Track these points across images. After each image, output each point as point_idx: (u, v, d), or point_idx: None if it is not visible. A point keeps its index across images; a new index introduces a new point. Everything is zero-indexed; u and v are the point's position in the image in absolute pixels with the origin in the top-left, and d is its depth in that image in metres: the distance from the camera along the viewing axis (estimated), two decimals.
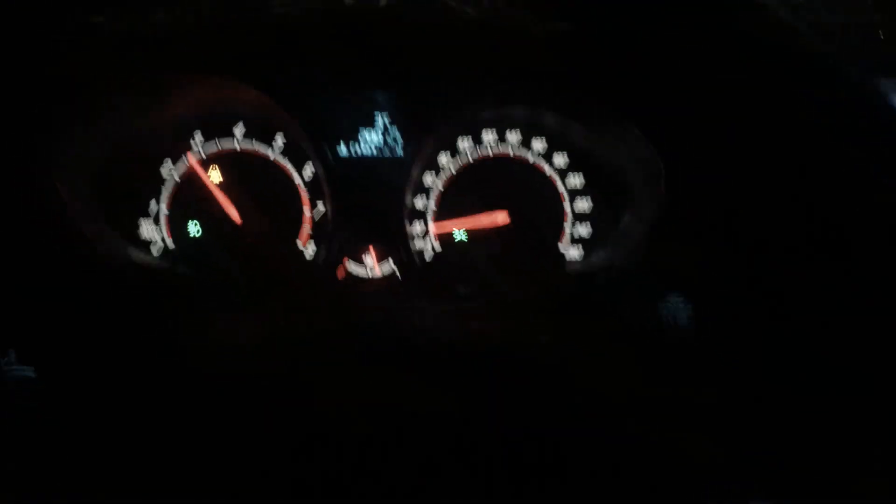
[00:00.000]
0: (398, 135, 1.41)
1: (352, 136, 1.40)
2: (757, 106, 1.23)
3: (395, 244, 1.40)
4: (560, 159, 1.46)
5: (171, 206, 1.42)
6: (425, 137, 1.38)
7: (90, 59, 1.23)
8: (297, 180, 1.44)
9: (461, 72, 1.36)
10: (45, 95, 1.21)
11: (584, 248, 1.46)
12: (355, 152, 1.40)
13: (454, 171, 1.46)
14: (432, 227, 1.46)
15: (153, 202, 1.42)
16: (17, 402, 1.18)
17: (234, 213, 1.42)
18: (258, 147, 1.43)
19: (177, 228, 1.43)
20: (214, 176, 1.43)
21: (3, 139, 1.20)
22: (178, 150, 1.42)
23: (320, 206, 1.44)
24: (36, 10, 1.19)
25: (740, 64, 1.24)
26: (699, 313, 1.28)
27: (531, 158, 1.46)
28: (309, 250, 1.45)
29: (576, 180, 1.45)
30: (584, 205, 1.46)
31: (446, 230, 1.47)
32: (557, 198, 1.46)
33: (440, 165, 1.46)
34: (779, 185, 1.25)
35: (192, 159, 1.42)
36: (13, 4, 1.14)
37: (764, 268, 1.26)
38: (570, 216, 1.46)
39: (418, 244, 1.46)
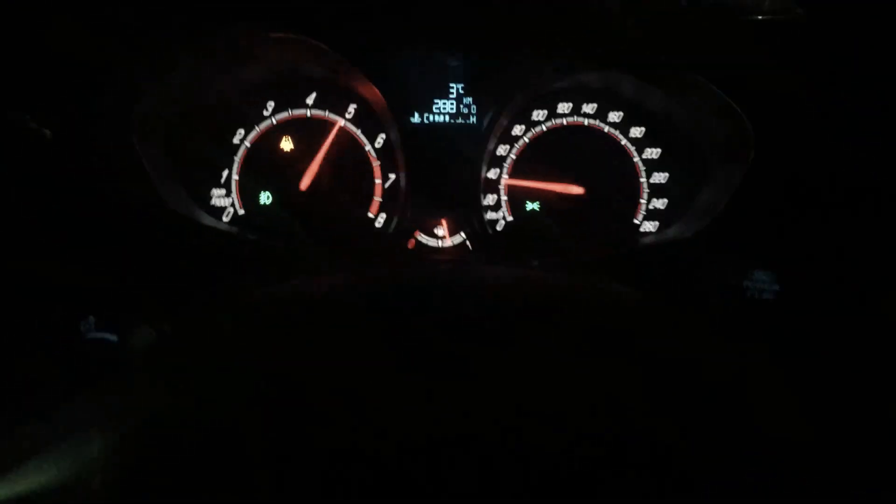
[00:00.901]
0: (473, 105, 1.39)
1: (426, 105, 1.39)
2: (851, 71, 1.19)
3: (468, 215, 1.39)
4: (636, 131, 1.42)
5: (242, 173, 1.41)
6: (500, 109, 1.35)
7: (168, 19, 1.22)
8: (369, 149, 1.42)
9: (537, 38, 1.33)
10: (124, 53, 1.21)
11: (659, 221, 1.43)
12: (429, 120, 1.38)
13: (528, 141, 1.43)
14: (505, 197, 1.44)
15: (225, 170, 1.40)
16: (97, 366, 1.18)
17: (304, 182, 1.41)
18: (330, 115, 1.42)
19: (247, 195, 1.42)
20: (286, 144, 1.41)
21: (83, 96, 1.20)
22: (250, 117, 1.41)
23: (392, 176, 1.42)
24: None
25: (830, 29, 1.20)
26: (785, 290, 1.25)
27: (606, 128, 1.43)
28: (379, 220, 1.43)
29: (653, 152, 1.42)
30: (661, 178, 1.42)
31: (519, 200, 1.44)
32: (633, 171, 1.43)
33: (514, 136, 1.43)
34: (870, 156, 1.22)
35: (263, 126, 1.41)
36: None
37: (852, 242, 1.23)
38: (646, 189, 1.43)
39: (490, 214, 1.44)
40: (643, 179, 1.43)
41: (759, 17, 1.22)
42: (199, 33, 1.25)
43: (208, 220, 1.36)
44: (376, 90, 1.32)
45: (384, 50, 1.32)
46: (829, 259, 1.23)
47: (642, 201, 1.43)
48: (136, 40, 1.22)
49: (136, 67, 1.22)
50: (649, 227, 1.43)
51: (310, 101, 1.42)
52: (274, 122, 1.41)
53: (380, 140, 1.42)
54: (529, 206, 1.44)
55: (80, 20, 1.21)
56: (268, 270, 1.31)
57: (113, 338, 1.21)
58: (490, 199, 1.44)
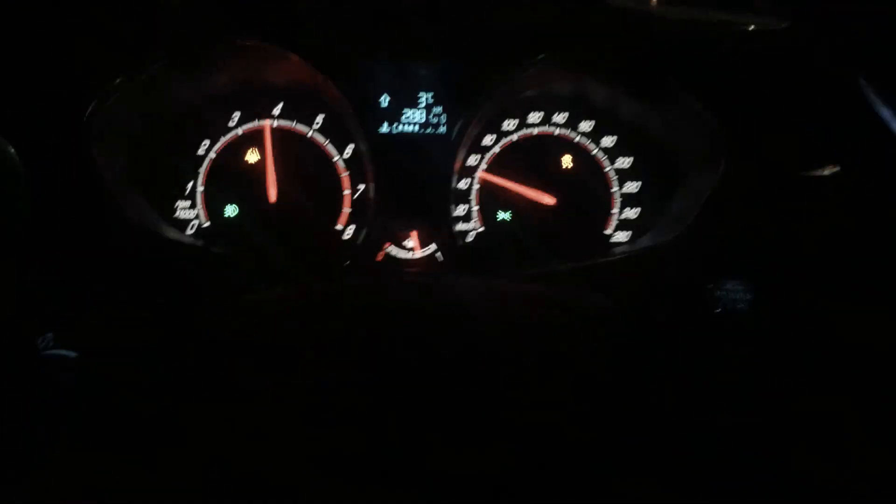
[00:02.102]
0: (443, 115, 1.37)
1: (395, 115, 1.37)
2: (824, 80, 1.19)
3: (438, 226, 1.36)
4: (608, 140, 1.41)
5: (208, 185, 1.38)
6: (470, 118, 1.34)
7: (131, 27, 1.20)
8: (337, 159, 1.40)
9: (506, 49, 1.32)
10: (86, 65, 1.18)
11: (631, 230, 1.42)
12: (398, 130, 1.36)
13: (498, 151, 1.42)
14: (476, 207, 1.42)
15: (190, 182, 1.38)
16: (55, 383, 1.15)
17: (271, 193, 1.38)
18: (298, 126, 1.39)
19: (213, 207, 1.39)
20: (252, 155, 1.39)
21: (43, 106, 1.17)
22: (216, 128, 1.38)
23: (360, 187, 1.40)
24: None
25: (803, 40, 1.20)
26: (758, 299, 1.24)
27: (578, 138, 1.42)
28: (348, 231, 1.41)
29: (624, 161, 1.41)
30: (632, 187, 1.41)
31: (491, 210, 1.42)
32: (605, 180, 1.42)
33: (484, 146, 1.42)
34: (844, 164, 1.22)
35: (229, 137, 1.38)
36: None
37: (825, 253, 1.22)
38: (617, 199, 1.42)
39: (461, 225, 1.42)
40: (615, 189, 1.42)
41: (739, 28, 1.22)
42: (164, 41, 1.23)
43: (172, 233, 1.33)
44: (345, 100, 1.30)
45: (352, 59, 1.30)
46: (802, 269, 1.22)
47: (614, 211, 1.42)
48: (97, 48, 1.20)
49: (97, 77, 1.19)
50: (621, 236, 1.42)
51: (276, 111, 1.39)
52: (240, 132, 1.39)
53: (348, 150, 1.40)
54: (501, 216, 1.42)
55: (40, 27, 1.19)
56: (233, 285, 1.28)
57: (72, 353, 1.17)
58: (461, 210, 1.42)
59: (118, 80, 1.20)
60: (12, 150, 1.15)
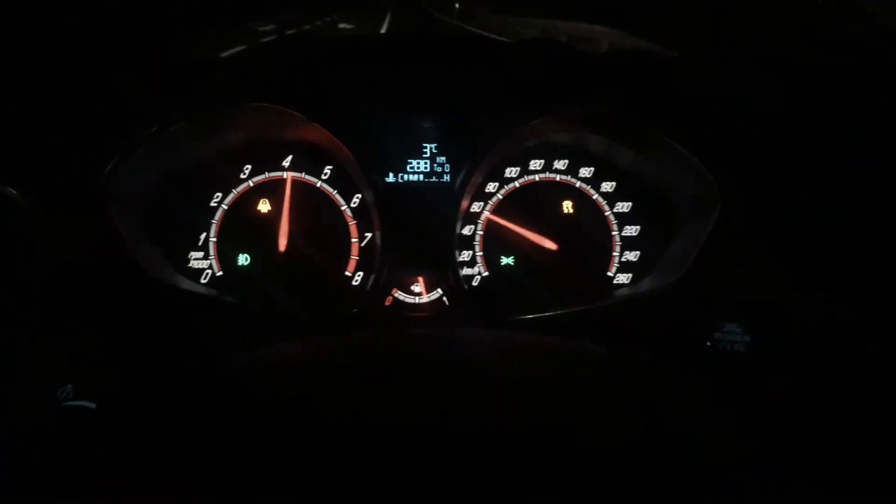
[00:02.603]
0: (446, 164, 1.42)
1: (400, 165, 1.42)
2: (814, 127, 1.23)
3: (444, 272, 1.40)
4: (607, 185, 1.45)
5: (220, 235, 1.43)
6: (473, 167, 1.38)
7: (151, 89, 1.26)
8: (345, 208, 1.45)
9: (507, 100, 1.37)
10: (106, 124, 1.24)
11: (632, 273, 1.45)
12: (404, 180, 1.41)
13: (501, 198, 1.46)
14: (480, 253, 1.46)
15: (203, 232, 1.42)
16: (75, 434, 1.18)
17: (281, 242, 1.43)
18: (307, 177, 1.44)
19: (225, 257, 1.43)
20: (263, 206, 1.44)
21: (59, 165, 1.22)
22: (227, 180, 1.43)
23: (367, 235, 1.45)
24: (95, 39, 1.22)
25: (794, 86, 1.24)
26: (757, 342, 1.27)
27: (578, 184, 1.46)
28: (357, 278, 1.45)
29: (624, 206, 1.45)
30: (632, 231, 1.45)
31: (494, 255, 1.46)
32: (605, 224, 1.46)
33: (488, 192, 1.46)
34: (838, 208, 1.25)
35: (241, 189, 1.43)
36: (72, 33, 1.17)
37: (822, 295, 1.25)
38: (618, 242, 1.46)
39: (466, 270, 1.46)
40: (615, 232, 1.46)
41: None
42: (183, 103, 1.28)
43: (186, 284, 1.38)
44: (350, 153, 1.35)
45: (357, 114, 1.36)
46: (800, 310, 1.25)
47: (615, 254, 1.46)
48: (118, 108, 1.26)
49: (116, 136, 1.24)
50: (622, 279, 1.46)
51: (286, 163, 1.45)
52: (251, 184, 1.44)
53: (355, 200, 1.45)
54: (504, 260, 1.46)
55: (64, 85, 1.25)
56: (246, 334, 1.32)
57: (91, 405, 1.21)
58: (465, 255, 1.46)
59: (137, 140, 1.25)
60: (29, 205, 1.20)
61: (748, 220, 1.26)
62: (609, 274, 1.46)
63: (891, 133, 1.13)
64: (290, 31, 1.23)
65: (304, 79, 1.31)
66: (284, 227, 1.43)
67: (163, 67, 1.27)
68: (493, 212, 1.47)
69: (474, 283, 1.46)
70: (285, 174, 1.44)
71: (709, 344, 1.29)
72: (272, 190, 1.44)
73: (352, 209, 1.45)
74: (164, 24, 1.34)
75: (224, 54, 1.36)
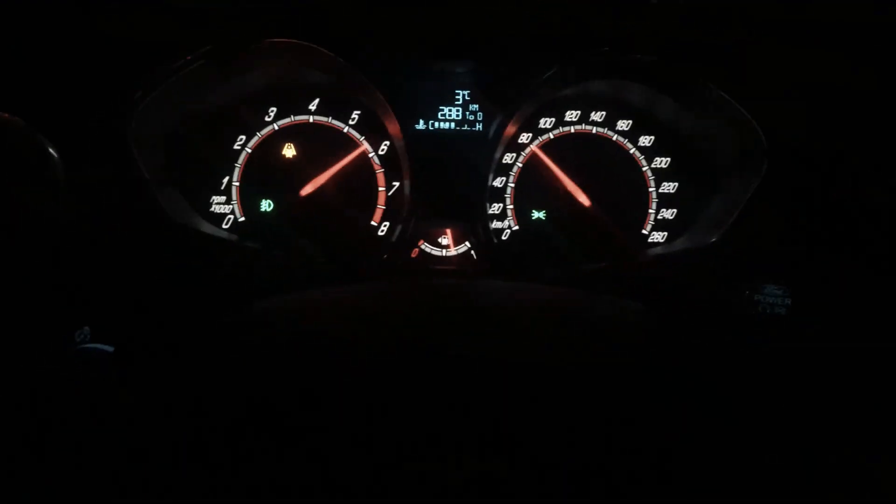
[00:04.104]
0: (479, 112, 1.36)
1: (431, 112, 1.36)
2: (864, 84, 1.17)
3: (473, 225, 1.36)
4: (645, 139, 1.40)
5: (243, 180, 1.38)
6: (507, 116, 1.32)
7: (170, 27, 1.20)
8: (372, 155, 1.40)
9: (542, 48, 1.30)
10: (125, 64, 1.18)
11: (668, 232, 1.41)
12: (434, 127, 1.36)
13: (535, 150, 1.41)
14: (511, 205, 1.41)
15: (226, 177, 1.38)
16: (92, 378, 1.16)
17: (306, 188, 1.38)
18: (333, 122, 1.39)
19: (248, 202, 1.39)
20: (288, 150, 1.39)
21: (83, 104, 1.17)
22: (252, 123, 1.38)
23: (395, 184, 1.40)
24: None
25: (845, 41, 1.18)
26: (797, 303, 1.22)
27: (615, 137, 1.40)
28: (382, 228, 1.40)
29: (662, 161, 1.40)
30: (670, 187, 1.40)
31: (526, 209, 1.41)
32: (642, 180, 1.40)
33: (521, 143, 1.41)
34: (882, 168, 1.19)
35: (265, 132, 1.38)
36: None
37: (863, 258, 1.20)
38: (654, 199, 1.40)
39: (496, 224, 1.41)
40: (652, 189, 1.41)
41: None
42: (203, 41, 1.22)
43: (208, 228, 1.34)
44: (381, 96, 1.29)
45: (389, 57, 1.29)
46: (841, 274, 1.21)
47: (651, 211, 1.41)
48: (137, 48, 1.20)
49: (136, 76, 1.19)
50: (658, 237, 1.41)
51: (312, 107, 1.39)
52: (276, 127, 1.39)
53: (383, 147, 1.40)
54: (535, 214, 1.42)
55: (83, 26, 1.19)
56: (268, 280, 1.28)
57: (108, 348, 1.18)
58: (495, 208, 1.41)
59: (156, 80, 1.19)
60: (51, 148, 1.16)
61: (794, 180, 1.21)
62: (644, 232, 1.41)
63: None
64: None
65: (336, 18, 1.25)
66: (309, 172, 1.38)
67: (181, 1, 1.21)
68: (526, 163, 1.41)
69: (504, 238, 1.41)
70: (311, 118, 1.39)
71: (748, 307, 1.24)
72: (297, 134, 1.39)
73: (379, 156, 1.40)
74: None
75: None
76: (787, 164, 1.20)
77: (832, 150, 1.20)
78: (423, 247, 1.38)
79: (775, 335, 1.23)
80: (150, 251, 1.24)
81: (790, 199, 1.23)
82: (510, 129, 1.36)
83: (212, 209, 1.38)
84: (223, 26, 1.24)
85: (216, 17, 1.23)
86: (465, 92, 1.36)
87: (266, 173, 1.39)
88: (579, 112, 1.41)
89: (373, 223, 1.40)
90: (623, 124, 1.40)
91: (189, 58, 1.22)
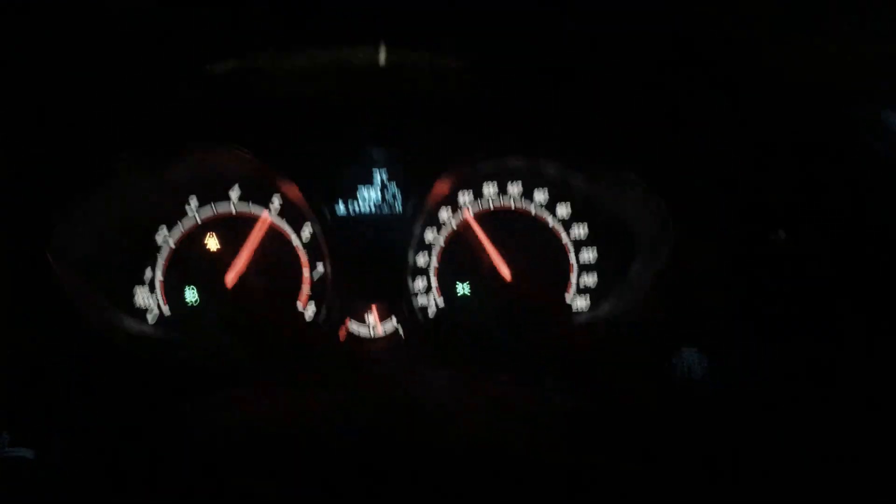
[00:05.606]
0: (397, 191, 1.38)
1: (350, 195, 1.38)
2: (764, 150, 1.21)
3: (398, 302, 1.37)
4: (563, 210, 1.43)
5: (167, 273, 1.39)
6: (424, 194, 1.35)
7: (94, 133, 1.21)
8: (296, 241, 1.41)
9: (457, 126, 1.34)
10: (46, 169, 1.19)
11: (591, 298, 1.43)
12: (354, 211, 1.38)
13: (455, 227, 1.43)
14: (435, 283, 1.43)
15: (148, 269, 1.38)
16: (12, 485, 1.14)
17: (230, 278, 1.39)
18: (254, 210, 1.40)
19: (173, 295, 1.39)
20: (211, 242, 1.40)
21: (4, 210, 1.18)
22: (173, 215, 1.39)
23: (319, 267, 1.41)
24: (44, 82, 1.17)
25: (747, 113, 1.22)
26: (713, 366, 1.24)
27: (534, 210, 1.43)
28: (309, 311, 1.41)
29: (580, 230, 1.43)
30: (589, 255, 1.43)
31: (449, 286, 1.43)
32: (562, 249, 1.43)
33: (441, 221, 1.43)
34: (789, 230, 1.23)
35: (186, 225, 1.39)
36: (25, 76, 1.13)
37: (778, 319, 1.23)
38: (575, 267, 1.43)
39: (421, 300, 1.43)
40: (572, 258, 1.43)
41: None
42: (131, 147, 1.24)
43: (131, 325, 1.33)
44: (296, 185, 1.31)
45: (301, 147, 1.32)
46: (756, 335, 1.23)
47: (572, 277, 1.43)
48: (62, 154, 1.21)
49: (52, 189, 1.20)
50: (581, 304, 1.43)
51: (233, 195, 1.41)
52: (198, 221, 1.39)
53: (306, 231, 1.41)
54: (461, 290, 1.43)
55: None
56: (194, 377, 1.28)
57: (29, 454, 1.16)
58: (420, 285, 1.43)
59: (81, 188, 1.21)
60: None
61: (703, 247, 1.24)
62: (568, 301, 1.43)
63: (849, 166, 1.11)
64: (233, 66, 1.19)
65: (247, 114, 1.27)
66: (233, 262, 1.39)
67: (106, 108, 1.22)
68: (448, 240, 1.43)
69: (430, 314, 1.43)
70: (233, 208, 1.40)
71: (667, 370, 1.26)
72: (220, 224, 1.40)
73: (302, 242, 1.41)
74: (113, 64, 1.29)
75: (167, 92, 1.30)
76: (694, 233, 1.24)
77: (738, 219, 1.24)
78: (350, 327, 1.39)
79: (691, 398, 1.24)
80: (68, 354, 1.23)
81: (701, 266, 1.26)
82: (428, 206, 1.38)
83: (136, 305, 1.37)
84: (151, 132, 1.26)
85: (143, 124, 1.25)
86: (383, 171, 1.39)
87: (190, 265, 1.39)
88: (496, 183, 1.44)
89: (299, 307, 1.41)
90: (540, 195, 1.43)
91: (117, 164, 1.24)
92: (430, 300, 1.43)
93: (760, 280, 1.23)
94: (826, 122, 1.16)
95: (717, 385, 1.23)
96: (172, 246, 1.39)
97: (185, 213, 1.39)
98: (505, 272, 1.41)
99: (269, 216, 1.40)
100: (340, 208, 1.38)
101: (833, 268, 1.18)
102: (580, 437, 1.12)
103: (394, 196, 1.39)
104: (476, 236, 1.42)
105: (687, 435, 1.15)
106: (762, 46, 1.07)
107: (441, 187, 1.39)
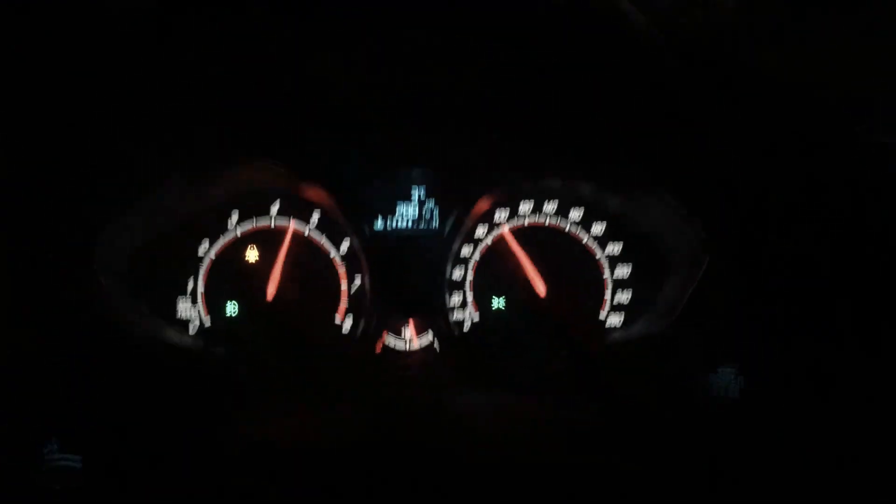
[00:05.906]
0: (435, 208, 1.41)
1: (388, 211, 1.40)
2: (796, 170, 1.23)
3: (434, 316, 1.39)
4: (598, 227, 1.45)
5: (208, 285, 1.42)
6: (463, 213, 1.37)
7: (138, 149, 1.24)
8: (334, 255, 1.43)
9: (496, 146, 1.36)
10: (92, 183, 1.22)
11: (625, 314, 1.44)
12: (392, 226, 1.40)
13: (491, 243, 1.45)
14: (470, 297, 1.45)
15: (190, 281, 1.41)
16: (60, 491, 1.17)
17: (270, 291, 1.41)
18: (294, 224, 1.43)
19: (214, 307, 1.42)
20: (251, 254, 1.42)
21: (47, 227, 1.21)
22: (215, 229, 1.42)
23: (357, 281, 1.43)
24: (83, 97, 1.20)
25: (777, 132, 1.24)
26: (750, 385, 1.25)
27: (568, 227, 1.45)
28: (346, 324, 1.43)
29: (614, 247, 1.44)
30: (624, 271, 1.44)
31: (485, 300, 1.45)
32: (596, 266, 1.45)
33: (477, 237, 1.45)
34: (821, 248, 1.24)
35: (227, 238, 1.42)
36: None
37: (812, 336, 1.24)
38: (609, 283, 1.44)
39: (457, 315, 1.45)
40: (606, 274, 1.45)
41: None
42: (175, 164, 1.27)
43: (173, 336, 1.36)
44: (336, 201, 1.34)
45: (342, 164, 1.35)
46: (793, 355, 1.24)
47: (606, 296, 1.45)
48: (98, 175, 1.24)
49: (97, 202, 1.23)
50: (615, 321, 1.44)
51: (273, 210, 1.43)
52: (238, 234, 1.42)
53: (344, 246, 1.44)
54: (496, 304, 1.45)
55: (42, 152, 1.23)
56: (235, 389, 1.30)
57: (77, 463, 1.19)
58: (456, 300, 1.45)
59: (127, 205, 1.24)
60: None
61: (737, 266, 1.25)
62: (601, 317, 1.44)
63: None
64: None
65: (289, 133, 1.30)
66: (273, 275, 1.41)
67: (152, 125, 1.25)
68: (484, 255, 1.45)
69: (466, 328, 1.44)
70: (272, 222, 1.43)
71: (702, 389, 1.27)
72: (260, 238, 1.43)
73: (341, 255, 1.44)
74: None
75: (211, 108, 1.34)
76: (728, 253, 1.25)
77: (772, 238, 1.25)
78: (386, 340, 1.41)
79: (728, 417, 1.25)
80: (114, 364, 1.26)
81: (735, 285, 1.27)
82: (466, 225, 1.41)
83: (178, 316, 1.40)
84: (194, 149, 1.29)
85: (186, 142, 1.28)
86: (421, 188, 1.41)
87: (230, 278, 1.42)
88: (533, 202, 1.46)
89: (336, 320, 1.43)
90: (575, 213, 1.45)
91: (162, 181, 1.27)
92: (466, 314, 1.45)
93: (796, 299, 1.24)
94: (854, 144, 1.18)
95: (753, 404, 1.24)
96: (213, 258, 1.41)
97: (226, 228, 1.42)
98: (540, 288, 1.43)
99: (307, 230, 1.43)
100: (378, 223, 1.41)
101: (874, 291, 1.20)
102: (611, 453, 1.14)
103: (431, 212, 1.42)
104: (512, 252, 1.44)
105: (723, 453, 1.17)
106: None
107: (481, 206, 1.41)
